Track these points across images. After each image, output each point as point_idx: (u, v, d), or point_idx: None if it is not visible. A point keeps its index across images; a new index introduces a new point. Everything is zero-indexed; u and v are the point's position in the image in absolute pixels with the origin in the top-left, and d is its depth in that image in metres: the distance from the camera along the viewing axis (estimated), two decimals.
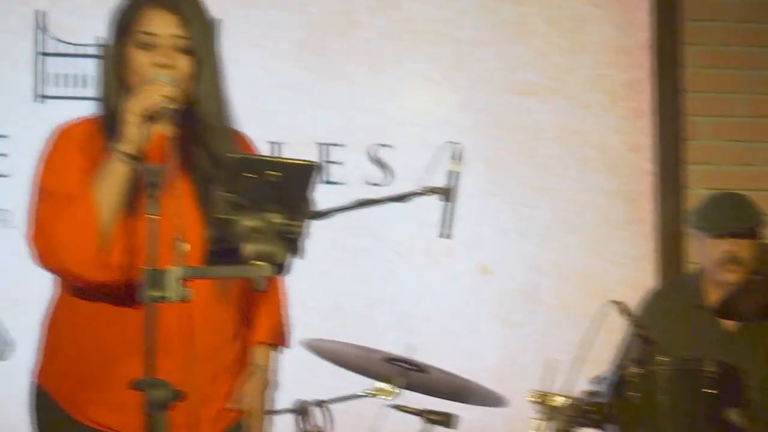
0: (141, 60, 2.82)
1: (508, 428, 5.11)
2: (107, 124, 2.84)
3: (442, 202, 3.05)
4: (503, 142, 5.47)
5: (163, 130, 2.84)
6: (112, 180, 2.75)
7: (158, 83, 2.76)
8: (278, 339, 3.03)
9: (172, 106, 2.73)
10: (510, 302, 5.43)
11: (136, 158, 2.73)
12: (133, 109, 2.72)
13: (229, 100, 2.93)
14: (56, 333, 2.98)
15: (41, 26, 5.30)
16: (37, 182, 2.89)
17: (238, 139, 2.98)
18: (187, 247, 2.51)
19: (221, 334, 2.91)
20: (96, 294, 2.85)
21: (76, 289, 2.89)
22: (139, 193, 2.76)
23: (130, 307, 2.82)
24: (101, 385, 2.87)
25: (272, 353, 3.03)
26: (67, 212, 2.76)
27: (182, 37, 2.82)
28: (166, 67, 2.80)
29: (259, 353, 3.00)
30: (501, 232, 5.44)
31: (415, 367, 3.96)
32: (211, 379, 2.90)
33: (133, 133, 2.72)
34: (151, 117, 2.73)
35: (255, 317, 2.98)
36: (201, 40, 2.85)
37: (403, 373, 3.95)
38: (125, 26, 2.86)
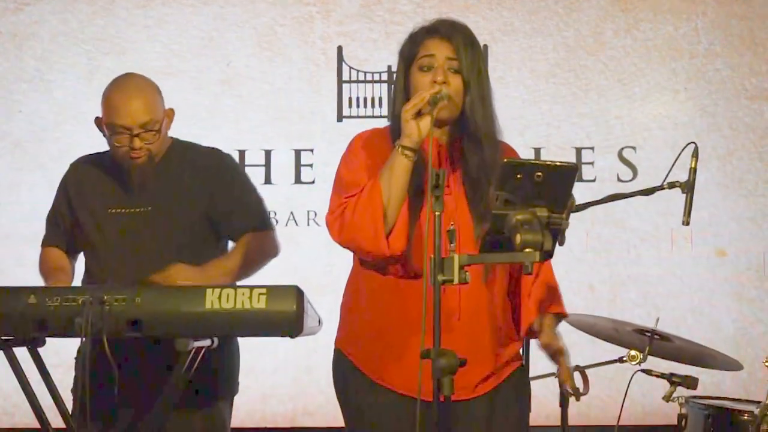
0: (422, 80, 2.91)
1: (743, 389, 5.05)
2: (394, 133, 2.93)
3: (683, 194, 3.05)
4: (736, 142, 5.36)
5: (440, 139, 2.96)
6: (395, 170, 2.81)
7: (429, 87, 2.86)
8: (563, 310, 3.04)
9: (441, 95, 2.81)
10: (744, 280, 5.32)
11: (414, 150, 2.79)
12: (407, 107, 2.79)
13: (494, 113, 2.97)
14: (349, 301, 3.06)
15: (342, 59, 5.42)
16: (336, 175, 3.02)
17: (502, 146, 3.01)
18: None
19: (483, 311, 2.94)
20: (381, 266, 2.93)
21: (366, 262, 2.97)
22: (417, 189, 2.85)
23: (407, 283, 2.91)
24: (390, 353, 2.92)
25: (557, 321, 3.02)
26: (358, 197, 2.85)
27: (454, 59, 2.91)
28: (441, 84, 2.89)
29: (549, 320, 2.97)
30: (735, 219, 5.33)
31: (660, 337, 3.94)
32: (479, 348, 2.93)
33: (410, 127, 2.78)
34: (423, 111, 2.78)
35: (539, 295, 3.00)
36: (469, 62, 2.91)
37: (650, 341, 3.92)
38: (411, 54, 2.96)
